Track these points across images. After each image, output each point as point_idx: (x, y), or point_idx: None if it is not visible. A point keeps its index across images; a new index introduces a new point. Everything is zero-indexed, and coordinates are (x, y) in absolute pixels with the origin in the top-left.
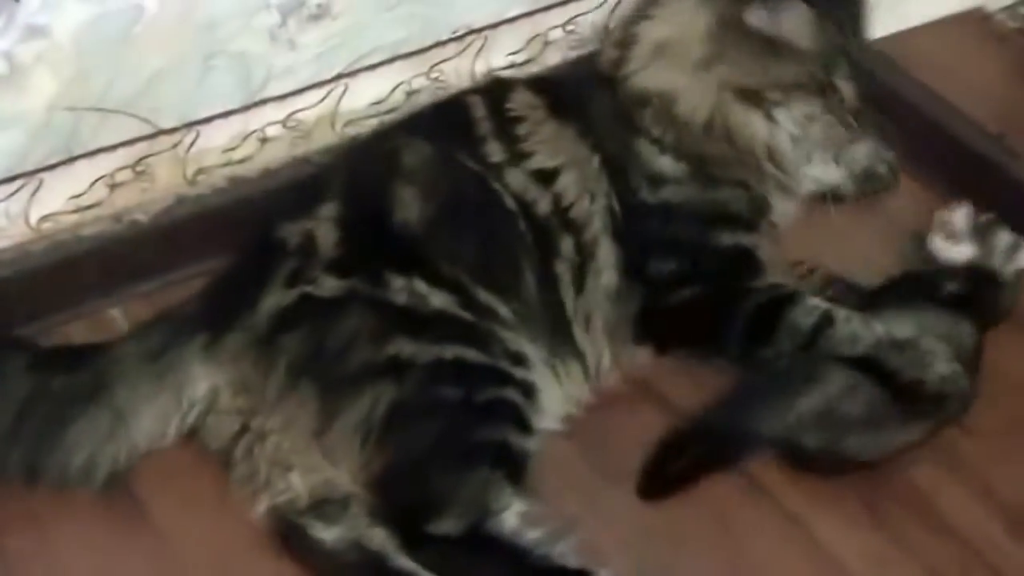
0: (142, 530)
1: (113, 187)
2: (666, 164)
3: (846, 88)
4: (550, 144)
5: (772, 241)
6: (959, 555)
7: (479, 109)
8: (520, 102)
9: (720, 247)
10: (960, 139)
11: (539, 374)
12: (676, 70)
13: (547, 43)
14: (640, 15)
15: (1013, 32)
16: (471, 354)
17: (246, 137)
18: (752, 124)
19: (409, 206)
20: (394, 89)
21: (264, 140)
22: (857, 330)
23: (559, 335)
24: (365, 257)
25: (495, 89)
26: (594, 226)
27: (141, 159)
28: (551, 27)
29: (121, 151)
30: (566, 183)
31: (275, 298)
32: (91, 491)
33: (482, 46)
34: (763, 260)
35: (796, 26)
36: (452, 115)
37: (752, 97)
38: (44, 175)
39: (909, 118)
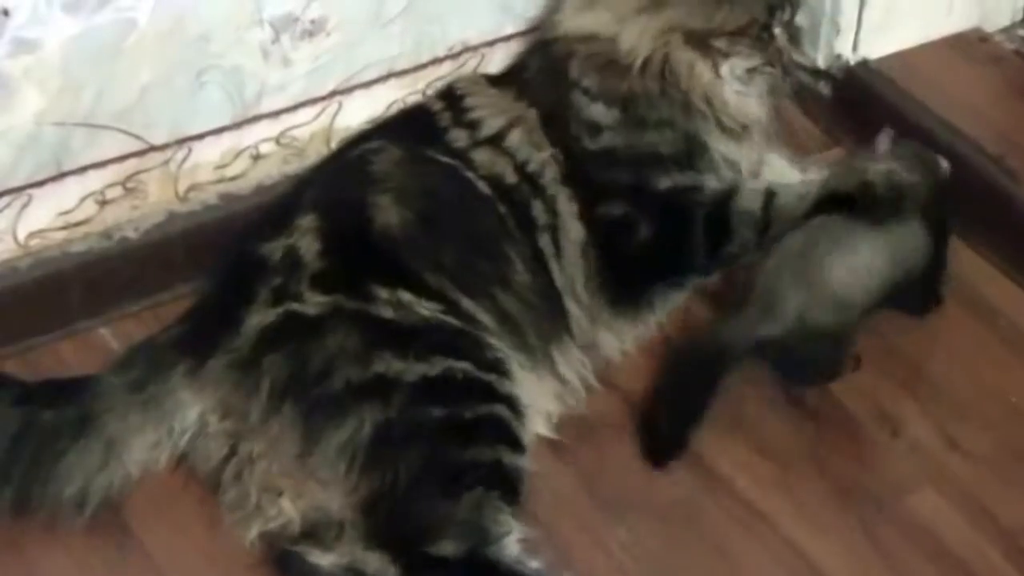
0: (132, 557)
1: (103, 203)
2: (599, 112)
3: (780, 37)
4: (492, 108)
5: None
6: None
7: (436, 103)
8: (465, 81)
9: (659, 191)
10: (960, 160)
11: (523, 385)
12: (608, 14)
13: None
14: None
15: (1011, 53)
16: (459, 367)
17: (239, 154)
18: (696, 67)
19: (387, 212)
20: (389, 106)
21: (257, 157)
22: (799, 189)
23: (554, 316)
24: (349, 268)
25: (448, 88)
26: (547, 176)
27: (132, 175)
28: None
29: (111, 167)
30: (513, 140)
31: (258, 317)
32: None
33: (478, 64)
34: (709, 193)
35: None
36: (414, 115)
37: (699, 43)
38: (32, 191)
39: (909, 138)
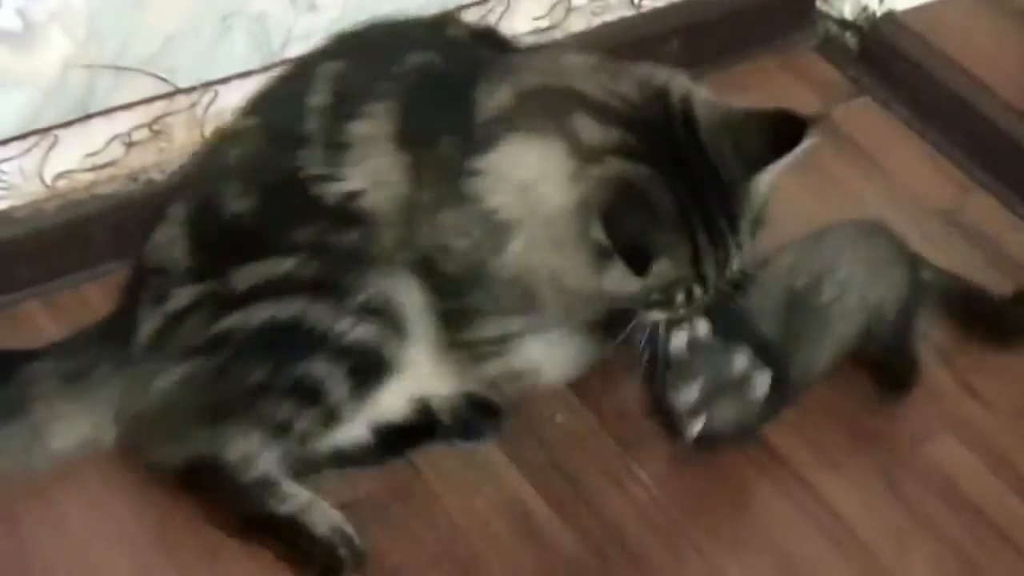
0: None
1: (129, 146)
2: None
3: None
4: None
5: None
6: (975, 528)
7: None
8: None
9: None
10: (986, 116)
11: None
12: None
13: (570, 9)
14: None
15: None
16: (313, 312)
17: None
18: None
19: (237, 200)
20: None
21: None
22: None
23: None
24: (213, 261)
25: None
26: None
27: (158, 118)
28: None
29: (138, 110)
30: None
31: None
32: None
33: (504, 11)
34: None
35: (619, 279)
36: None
37: None
38: (59, 132)
39: (935, 93)
